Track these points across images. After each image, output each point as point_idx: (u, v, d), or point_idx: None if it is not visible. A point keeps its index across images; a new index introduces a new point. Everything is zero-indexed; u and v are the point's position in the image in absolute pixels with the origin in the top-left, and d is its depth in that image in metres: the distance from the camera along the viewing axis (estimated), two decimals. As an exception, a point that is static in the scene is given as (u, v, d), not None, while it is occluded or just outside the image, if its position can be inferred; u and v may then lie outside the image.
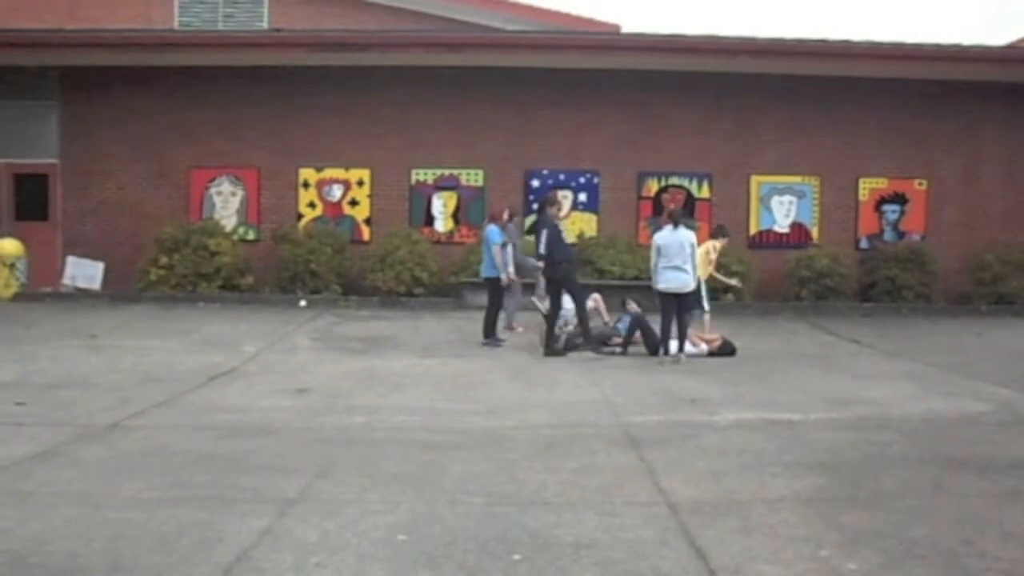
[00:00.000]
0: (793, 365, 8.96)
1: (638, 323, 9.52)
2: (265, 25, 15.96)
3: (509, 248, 10.16)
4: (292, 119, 13.81)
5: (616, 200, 13.81)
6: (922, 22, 41.88)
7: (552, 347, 9.33)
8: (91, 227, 13.82)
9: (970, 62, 13.45)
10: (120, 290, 13.10)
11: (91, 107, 13.80)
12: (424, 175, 13.93)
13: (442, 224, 13.97)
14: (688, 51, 13.06)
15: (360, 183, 13.94)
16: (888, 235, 14.15)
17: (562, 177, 13.91)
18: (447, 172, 13.92)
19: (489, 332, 9.91)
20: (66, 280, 13.45)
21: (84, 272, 13.44)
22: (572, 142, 13.89)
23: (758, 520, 4.16)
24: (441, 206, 13.96)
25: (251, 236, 13.88)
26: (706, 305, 9.96)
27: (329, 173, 13.93)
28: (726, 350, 9.41)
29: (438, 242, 13.66)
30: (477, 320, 10.15)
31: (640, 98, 13.80)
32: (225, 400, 6.90)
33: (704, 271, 9.98)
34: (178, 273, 12.72)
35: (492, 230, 10.17)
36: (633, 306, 9.84)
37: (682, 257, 8.98)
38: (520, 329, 10.60)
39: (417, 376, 8.05)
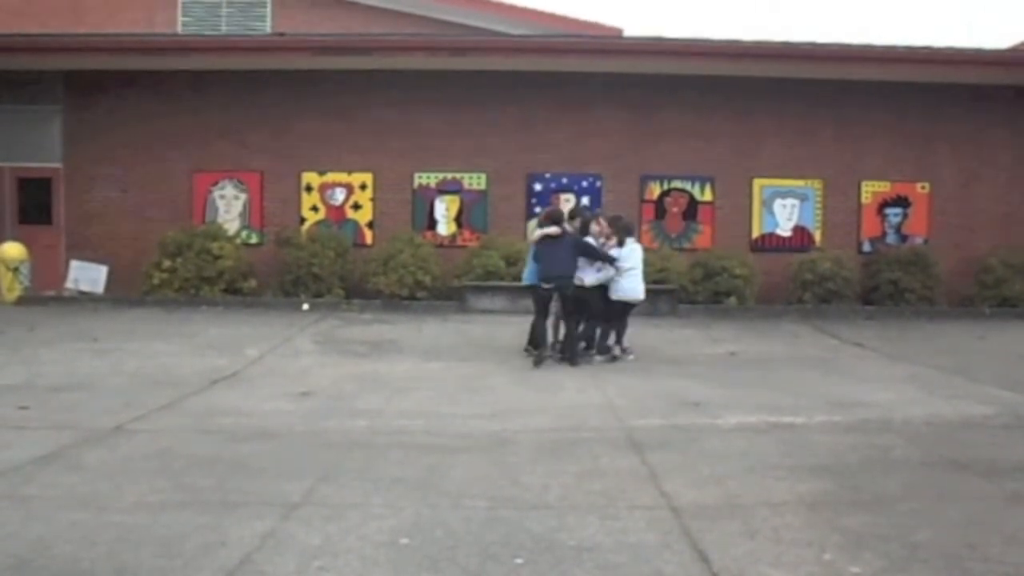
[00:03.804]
0: (796, 368, 8.94)
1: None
2: (268, 29, 15.99)
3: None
4: (295, 123, 13.85)
5: (619, 203, 13.76)
6: (914, 25, 41.89)
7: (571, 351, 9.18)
8: (94, 231, 13.85)
9: (973, 65, 13.46)
10: (123, 294, 13.13)
11: (94, 111, 13.84)
12: (427, 179, 13.95)
13: (445, 228, 13.99)
14: (689, 55, 13.09)
15: (363, 187, 13.96)
16: (891, 238, 14.16)
17: (565, 180, 13.92)
18: (450, 176, 13.94)
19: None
20: (69, 283, 13.47)
21: (87, 276, 13.46)
22: (574, 145, 13.90)
23: (761, 523, 4.16)
24: (444, 210, 13.98)
25: (254, 240, 13.90)
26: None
27: (332, 177, 13.96)
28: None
29: (441, 246, 13.67)
30: (480, 323, 10.15)
31: (642, 101, 13.83)
32: (228, 404, 6.90)
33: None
34: (181, 277, 12.73)
35: None
36: None
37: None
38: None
39: (420, 380, 8.05)
